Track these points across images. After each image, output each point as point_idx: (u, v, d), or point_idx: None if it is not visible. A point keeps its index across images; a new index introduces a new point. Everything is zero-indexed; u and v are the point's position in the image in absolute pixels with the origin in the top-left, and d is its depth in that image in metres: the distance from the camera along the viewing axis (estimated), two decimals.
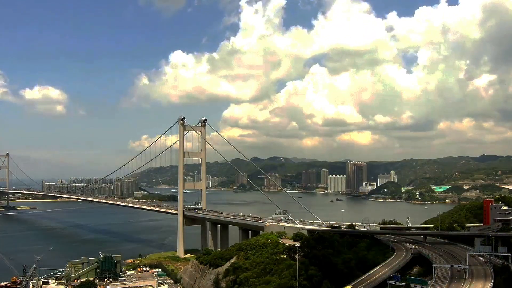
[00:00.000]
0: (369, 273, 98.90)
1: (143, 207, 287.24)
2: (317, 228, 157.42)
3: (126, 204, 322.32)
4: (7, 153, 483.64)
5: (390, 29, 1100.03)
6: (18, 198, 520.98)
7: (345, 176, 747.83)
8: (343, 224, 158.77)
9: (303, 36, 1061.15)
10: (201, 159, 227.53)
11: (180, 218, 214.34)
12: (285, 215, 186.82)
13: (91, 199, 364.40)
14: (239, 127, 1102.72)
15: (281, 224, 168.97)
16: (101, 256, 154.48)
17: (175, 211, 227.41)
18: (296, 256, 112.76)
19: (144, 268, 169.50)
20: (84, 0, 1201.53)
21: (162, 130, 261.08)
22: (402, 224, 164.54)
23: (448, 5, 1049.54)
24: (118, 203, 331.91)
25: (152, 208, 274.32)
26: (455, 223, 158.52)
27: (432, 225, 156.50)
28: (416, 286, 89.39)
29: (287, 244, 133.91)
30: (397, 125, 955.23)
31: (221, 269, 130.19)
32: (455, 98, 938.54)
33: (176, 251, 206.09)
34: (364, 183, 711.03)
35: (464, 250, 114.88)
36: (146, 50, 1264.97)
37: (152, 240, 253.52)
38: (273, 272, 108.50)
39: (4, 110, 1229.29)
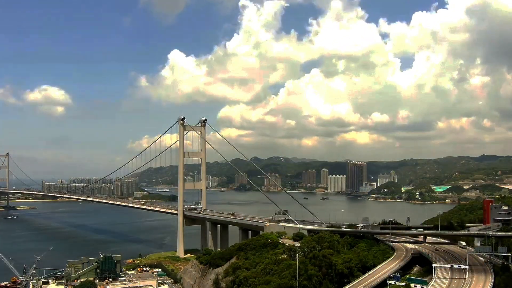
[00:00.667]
0: (369, 273, 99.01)
1: (143, 207, 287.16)
2: (317, 228, 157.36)
3: (126, 204, 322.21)
4: (7, 153, 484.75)
5: (384, 34, 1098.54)
6: (18, 198, 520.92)
7: (345, 176, 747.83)
8: (343, 224, 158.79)
9: (300, 41, 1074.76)
10: (201, 159, 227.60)
11: (180, 218, 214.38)
12: (285, 215, 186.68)
13: (91, 199, 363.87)
14: (235, 127, 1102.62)
15: (281, 224, 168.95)
16: (101, 256, 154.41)
17: (175, 211, 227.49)
18: (296, 256, 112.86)
19: (144, 268, 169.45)
20: (84, 1, 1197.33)
21: (162, 131, 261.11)
22: (402, 224, 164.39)
23: (439, 9, 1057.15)
24: (118, 203, 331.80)
25: (152, 208, 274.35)
26: (455, 223, 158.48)
27: (432, 225, 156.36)
28: (416, 286, 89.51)
29: (287, 244, 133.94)
30: (396, 125, 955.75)
31: (221, 269, 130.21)
32: (453, 98, 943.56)
33: (176, 251, 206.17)
34: (364, 183, 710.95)
35: (464, 250, 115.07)
36: (146, 52, 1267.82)
37: (152, 240, 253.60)
38: (273, 272, 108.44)
39: (4, 110, 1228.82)
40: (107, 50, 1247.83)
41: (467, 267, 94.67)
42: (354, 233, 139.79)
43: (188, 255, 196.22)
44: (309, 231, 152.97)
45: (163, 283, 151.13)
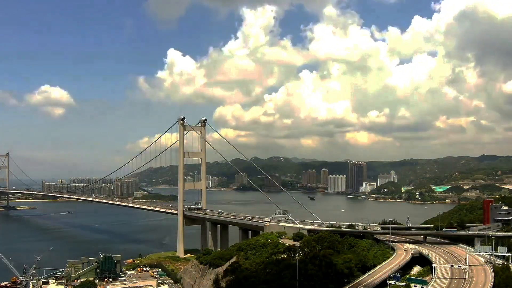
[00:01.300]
0: (369, 273, 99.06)
1: (143, 207, 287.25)
2: (317, 228, 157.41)
3: (126, 204, 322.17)
4: (7, 153, 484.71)
5: (381, 38, 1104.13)
6: (18, 198, 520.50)
7: (345, 176, 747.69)
8: (343, 224, 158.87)
9: (295, 46, 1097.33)
10: (201, 159, 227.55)
11: (180, 218, 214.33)
12: (285, 215, 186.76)
13: (91, 199, 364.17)
14: (233, 128, 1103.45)
15: (281, 224, 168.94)
16: (101, 256, 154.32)
17: (175, 211, 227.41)
18: (296, 256, 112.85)
19: (144, 268, 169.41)
20: (84, 3, 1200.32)
21: (161, 131, 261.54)
22: (402, 224, 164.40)
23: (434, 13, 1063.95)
24: (118, 203, 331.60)
25: (152, 208, 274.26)
26: (455, 223, 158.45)
27: (432, 225, 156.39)
28: (416, 286, 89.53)
29: (287, 244, 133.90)
30: (396, 126, 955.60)
31: (221, 269, 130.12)
32: (452, 98, 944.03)
33: (176, 251, 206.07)
34: (364, 183, 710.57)
35: (464, 250, 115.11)
36: (146, 53, 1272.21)
37: (152, 240, 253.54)
38: (273, 272, 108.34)
39: (4, 110, 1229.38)
40: (107, 51, 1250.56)
41: (467, 267, 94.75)
42: (354, 233, 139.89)
43: (188, 255, 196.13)
44: (309, 231, 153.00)
45: (163, 283, 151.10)
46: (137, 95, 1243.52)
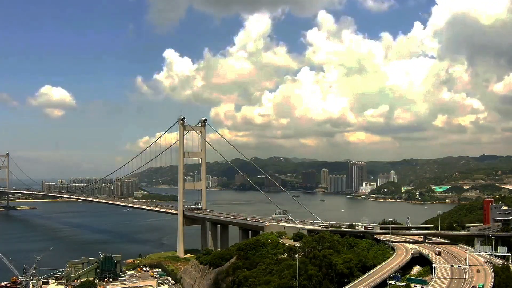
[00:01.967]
0: (369, 273, 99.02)
1: (143, 207, 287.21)
2: (317, 228, 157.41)
3: (126, 204, 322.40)
4: (7, 153, 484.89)
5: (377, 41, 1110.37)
6: (18, 198, 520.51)
7: (345, 176, 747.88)
8: (343, 224, 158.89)
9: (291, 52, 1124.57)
10: (201, 159, 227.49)
11: (180, 218, 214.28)
12: (285, 215, 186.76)
13: (91, 199, 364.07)
14: (231, 128, 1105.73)
15: (281, 224, 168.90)
16: (101, 256, 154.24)
17: (175, 211, 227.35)
18: (296, 256, 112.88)
19: (144, 268, 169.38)
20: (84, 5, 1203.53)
21: (161, 131, 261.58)
22: (402, 224, 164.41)
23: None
24: (118, 203, 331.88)
25: (152, 208, 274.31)
26: (455, 223, 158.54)
27: (432, 225, 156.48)
28: (416, 286, 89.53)
29: (287, 244, 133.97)
30: (396, 126, 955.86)
31: (221, 269, 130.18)
32: (451, 98, 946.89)
33: (176, 251, 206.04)
34: (364, 183, 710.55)
35: (464, 250, 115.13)
36: (145, 55, 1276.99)
37: (152, 240, 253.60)
38: (273, 272, 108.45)
39: (4, 110, 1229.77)
40: (107, 53, 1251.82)
41: (467, 267, 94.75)
42: (354, 233, 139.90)
43: (188, 255, 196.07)
44: (309, 231, 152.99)
45: (163, 283, 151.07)
46: (137, 95, 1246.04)
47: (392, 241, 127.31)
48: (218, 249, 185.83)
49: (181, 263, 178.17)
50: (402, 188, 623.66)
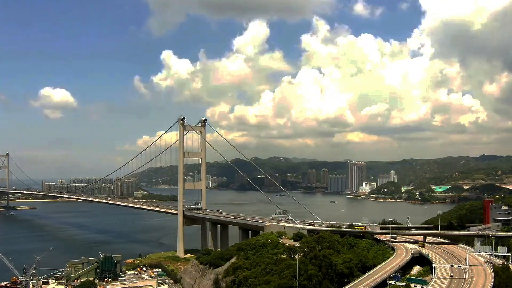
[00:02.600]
0: (369, 273, 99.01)
1: (143, 207, 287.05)
2: (317, 228, 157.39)
3: (126, 204, 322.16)
4: (7, 153, 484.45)
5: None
6: (18, 198, 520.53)
7: (345, 176, 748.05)
8: (343, 224, 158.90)
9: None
10: (201, 159, 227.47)
11: (180, 218, 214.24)
12: (285, 215, 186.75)
13: (91, 199, 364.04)
14: (229, 128, 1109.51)
15: (281, 224, 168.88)
16: (101, 256, 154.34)
17: (175, 211, 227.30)
18: (296, 256, 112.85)
19: (144, 268, 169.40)
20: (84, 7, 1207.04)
21: (160, 130, 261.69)
22: (402, 224, 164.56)
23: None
24: (118, 203, 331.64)
25: (152, 208, 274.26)
26: (455, 223, 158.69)
27: (432, 225, 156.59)
28: (416, 286, 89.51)
29: (287, 244, 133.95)
30: (396, 126, 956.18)
31: (221, 269, 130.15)
32: (449, 98, 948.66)
33: (176, 251, 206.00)
34: (364, 183, 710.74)
35: (464, 250, 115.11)
36: (145, 56, 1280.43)
37: (152, 240, 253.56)
38: (273, 272, 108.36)
39: (4, 110, 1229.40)
40: (107, 53, 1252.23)
41: (467, 267, 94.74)
42: (354, 233, 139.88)
43: (188, 255, 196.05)
44: (309, 231, 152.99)
45: (163, 283, 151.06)
46: (136, 96, 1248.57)
47: (392, 241, 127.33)
48: (218, 249, 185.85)
49: (181, 263, 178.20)
50: (402, 188, 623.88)
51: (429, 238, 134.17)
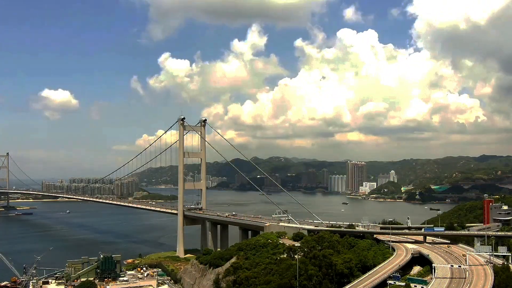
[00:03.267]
0: (369, 273, 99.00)
1: (143, 207, 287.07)
2: (317, 228, 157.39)
3: (126, 204, 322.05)
4: (7, 153, 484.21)
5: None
6: (18, 198, 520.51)
7: (345, 176, 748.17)
8: (343, 224, 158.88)
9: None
10: (201, 159, 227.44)
11: (180, 218, 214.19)
12: (285, 215, 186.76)
13: (91, 199, 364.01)
14: (227, 128, 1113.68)
15: (281, 224, 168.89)
16: (101, 256, 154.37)
17: (175, 211, 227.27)
18: (296, 256, 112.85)
19: (144, 268, 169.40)
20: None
21: (161, 132, 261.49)
22: (402, 224, 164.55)
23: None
24: (118, 203, 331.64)
25: (152, 208, 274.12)
26: (455, 223, 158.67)
27: (432, 225, 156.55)
28: (416, 286, 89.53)
29: (287, 244, 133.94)
30: (395, 126, 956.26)
31: (221, 269, 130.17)
32: (448, 99, 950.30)
33: (176, 251, 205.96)
34: (364, 183, 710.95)
35: (464, 250, 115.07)
36: (145, 57, 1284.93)
37: (152, 240, 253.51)
38: (273, 272, 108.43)
39: (4, 110, 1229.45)
40: (107, 53, 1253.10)
41: (467, 267, 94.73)
42: (354, 233, 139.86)
43: (188, 255, 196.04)
44: (309, 231, 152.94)
45: (163, 283, 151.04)
46: (136, 96, 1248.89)
47: (392, 241, 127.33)
48: (218, 249, 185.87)
49: (181, 263, 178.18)
50: (402, 188, 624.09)
51: (429, 238, 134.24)
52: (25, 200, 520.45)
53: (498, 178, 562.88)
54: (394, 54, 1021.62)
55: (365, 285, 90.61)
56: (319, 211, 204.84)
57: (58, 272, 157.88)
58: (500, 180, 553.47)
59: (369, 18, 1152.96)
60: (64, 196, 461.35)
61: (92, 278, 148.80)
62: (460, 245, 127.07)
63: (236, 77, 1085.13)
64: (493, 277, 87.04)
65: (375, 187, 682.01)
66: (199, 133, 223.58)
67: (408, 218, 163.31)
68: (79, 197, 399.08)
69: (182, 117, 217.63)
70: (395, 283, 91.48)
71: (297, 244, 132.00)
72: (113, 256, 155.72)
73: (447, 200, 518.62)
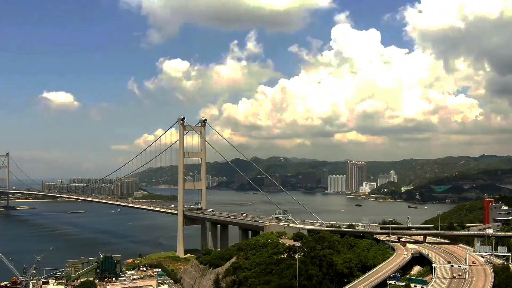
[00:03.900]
0: (369, 273, 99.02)
1: (143, 207, 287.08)
2: (317, 228, 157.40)
3: (126, 204, 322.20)
4: (7, 153, 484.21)
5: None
6: (18, 198, 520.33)
7: (345, 176, 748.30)
8: (343, 224, 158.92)
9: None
10: (201, 159, 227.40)
11: (180, 218, 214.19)
12: (285, 215, 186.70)
13: (91, 199, 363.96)
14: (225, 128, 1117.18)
15: (281, 224, 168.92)
16: (101, 256, 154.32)
17: (175, 211, 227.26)
18: (296, 256, 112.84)
19: (144, 268, 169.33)
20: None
21: (160, 132, 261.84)
22: (402, 224, 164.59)
23: None
24: (118, 203, 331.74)
25: (152, 208, 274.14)
26: (455, 223, 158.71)
27: (432, 225, 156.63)
28: (416, 286, 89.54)
29: (287, 244, 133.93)
30: (395, 126, 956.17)
31: (221, 269, 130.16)
32: (448, 98, 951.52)
33: (176, 251, 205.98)
34: (364, 183, 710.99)
35: (464, 250, 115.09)
36: (146, 58, 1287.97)
37: (152, 240, 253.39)
38: (273, 272, 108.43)
39: (4, 110, 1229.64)
40: (107, 55, 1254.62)
41: (467, 267, 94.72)
42: (354, 233, 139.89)
43: (188, 255, 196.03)
44: (309, 231, 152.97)
45: (163, 283, 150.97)
46: (136, 96, 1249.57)
47: (392, 241, 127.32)
48: (218, 249, 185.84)
49: (181, 263, 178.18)
50: (402, 188, 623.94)
51: (429, 238, 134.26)
52: (25, 200, 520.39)
53: (498, 178, 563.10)
54: (392, 54, 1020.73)
55: (365, 285, 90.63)
56: (324, 211, 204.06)
57: (58, 272, 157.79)
58: (500, 180, 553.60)
59: (364, 20, 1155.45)
60: (64, 196, 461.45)
61: (92, 278, 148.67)
62: (460, 245, 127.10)
63: (233, 79, 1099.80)
64: (493, 277, 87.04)
65: (375, 187, 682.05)
66: (199, 133, 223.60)
67: (408, 218, 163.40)
68: (79, 197, 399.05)
69: (182, 117, 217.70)
70: (395, 283, 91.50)
71: (297, 244, 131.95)
72: (113, 256, 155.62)
73: (447, 200, 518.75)
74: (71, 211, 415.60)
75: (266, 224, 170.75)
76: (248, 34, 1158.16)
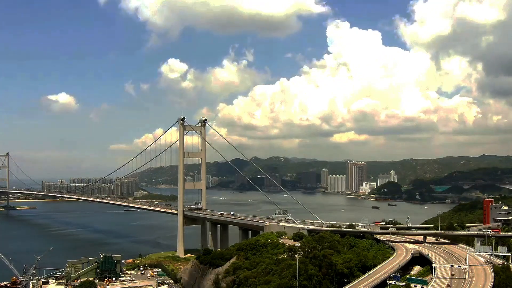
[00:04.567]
0: (369, 273, 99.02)
1: (143, 207, 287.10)
2: (317, 228, 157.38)
3: (126, 204, 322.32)
4: (7, 153, 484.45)
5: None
6: (18, 198, 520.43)
7: (345, 176, 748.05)
8: (343, 224, 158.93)
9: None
10: (201, 159, 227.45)
11: (180, 218, 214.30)
12: (285, 215, 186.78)
13: (91, 199, 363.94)
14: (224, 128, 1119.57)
15: (281, 224, 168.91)
16: (101, 256, 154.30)
17: (175, 211, 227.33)
18: (296, 256, 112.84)
19: (144, 268, 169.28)
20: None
21: (159, 132, 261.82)
22: (402, 224, 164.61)
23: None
24: (118, 203, 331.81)
25: (152, 208, 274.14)
26: (455, 223, 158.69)
27: (432, 225, 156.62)
28: (416, 286, 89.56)
29: (287, 244, 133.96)
30: (395, 126, 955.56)
31: (221, 269, 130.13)
32: (448, 98, 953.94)
33: (176, 251, 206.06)
34: (364, 183, 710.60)
35: (464, 250, 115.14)
36: (145, 59, 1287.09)
37: (152, 240, 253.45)
38: (273, 272, 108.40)
39: (4, 110, 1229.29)
40: (107, 57, 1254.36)
41: (467, 267, 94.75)
42: (354, 233, 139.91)
43: (188, 255, 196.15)
44: (309, 231, 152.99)
45: (163, 283, 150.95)
46: (136, 96, 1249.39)
47: (392, 241, 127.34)
48: (218, 249, 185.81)
49: (181, 263, 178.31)
50: (402, 188, 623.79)
51: (429, 238, 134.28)
52: (25, 200, 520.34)
53: (498, 178, 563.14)
54: (390, 55, 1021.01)
55: (365, 285, 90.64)
56: (324, 211, 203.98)
57: (58, 272, 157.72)
58: (500, 180, 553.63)
59: (362, 21, 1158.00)
60: (64, 196, 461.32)
61: (92, 278, 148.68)
62: (460, 245, 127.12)
63: (231, 81, 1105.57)
64: (493, 277, 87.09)
65: (375, 187, 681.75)
66: (199, 133, 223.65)
67: (408, 218, 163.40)
68: (79, 197, 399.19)
69: (182, 117, 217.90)
70: (395, 283, 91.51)
71: (297, 244, 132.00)
72: (113, 256, 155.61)
73: (447, 200, 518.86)
74: (72, 211, 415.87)
75: (266, 224, 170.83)
76: (246, 39, 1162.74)
